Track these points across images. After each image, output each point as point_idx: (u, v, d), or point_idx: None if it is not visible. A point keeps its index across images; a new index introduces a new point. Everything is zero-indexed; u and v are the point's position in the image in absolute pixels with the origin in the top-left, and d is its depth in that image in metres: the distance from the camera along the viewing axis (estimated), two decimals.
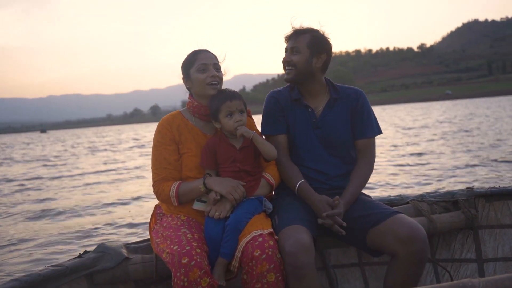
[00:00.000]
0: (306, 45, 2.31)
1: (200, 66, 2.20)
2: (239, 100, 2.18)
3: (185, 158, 2.21)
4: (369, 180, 2.56)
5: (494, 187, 2.67)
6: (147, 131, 51.46)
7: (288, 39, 2.36)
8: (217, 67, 2.23)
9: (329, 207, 2.13)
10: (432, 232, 2.52)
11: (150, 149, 2.32)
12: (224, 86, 2.28)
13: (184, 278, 1.82)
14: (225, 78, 2.31)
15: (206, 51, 2.27)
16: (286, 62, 2.34)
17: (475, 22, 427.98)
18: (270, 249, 1.91)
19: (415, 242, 1.94)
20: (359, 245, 2.20)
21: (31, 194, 9.41)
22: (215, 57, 2.26)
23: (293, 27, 2.36)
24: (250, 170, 2.20)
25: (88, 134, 64.41)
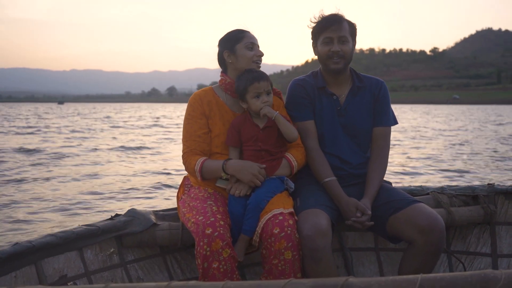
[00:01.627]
0: (349, 33, 2.28)
1: (249, 44, 2.23)
2: (266, 81, 2.19)
3: (213, 135, 2.26)
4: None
5: None
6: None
7: (328, 27, 2.26)
8: (259, 48, 2.28)
9: (356, 210, 2.13)
10: (449, 224, 2.55)
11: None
12: None
13: (207, 248, 1.87)
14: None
15: (249, 31, 2.29)
16: (335, 53, 2.25)
17: (489, 30, 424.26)
18: (289, 228, 1.94)
19: (434, 232, 1.96)
20: (379, 231, 2.22)
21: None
22: (257, 39, 2.29)
23: (329, 14, 2.28)
24: (271, 150, 2.22)
25: (106, 109, 64.93)
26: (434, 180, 7.43)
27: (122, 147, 12.48)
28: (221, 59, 2.32)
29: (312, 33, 2.35)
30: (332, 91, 2.35)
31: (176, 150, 11.85)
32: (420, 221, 1.99)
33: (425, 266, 2.03)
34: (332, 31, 2.25)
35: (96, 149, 12.09)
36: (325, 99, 2.36)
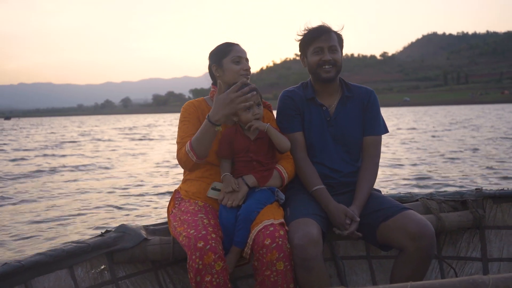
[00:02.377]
0: (337, 43, 2.32)
1: (235, 58, 2.24)
2: (256, 94, 2.19)
3: None
4: None
5: (502, 189, 2.74)
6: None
7: (318, 37, 2.29)
8: (247, 61, 2.29)
9: (345, 217, 2.14)
10: (440, 230, 2.58)
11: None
12: None
13: (199, 261, 1.87)
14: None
15: (238, 44, 2.31)
16: (327, 62, 2.28)
17: (434, 34, 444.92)
18: (280, 239, 1.95)
19: (424, 238, 1.97)
20: (369, 239, 2.23)
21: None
22: (245, 52, 2.30)
23: (317, 26, 2.33)
24: (262, 161, 2.23)
25: (57, 123, 62.67)
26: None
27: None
28: (210, 72, 2.33)
29: (300, 45, 2.37)
30: (321, 102, 2.37)
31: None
32: (410, 228, 1.99)
33: (417, 272, 2.04)
34: (322, 41, 2.28)
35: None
36: (314, 110, 2.37)
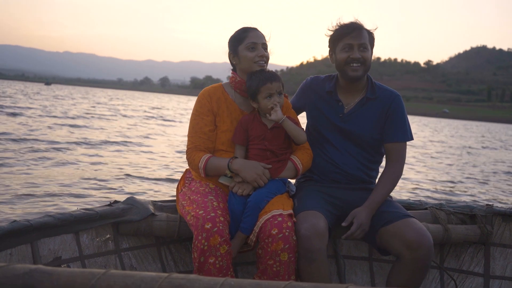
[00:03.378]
0: (368, 41, 2.29)
1: (249, 45, 2.21)
2: (279, 82, 2.20)
3: (219, 131, 2.26)
4: None
5: None
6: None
7: (349, 34, 2.26)
8: (265, 46, 2.26)
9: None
10: (445, 241, 2.58)
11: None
12: None
13: (205, 242, 1.89)
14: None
15: (255, 29, 2.28)
16: (355, 59, 2.25)
17: (483, 48, 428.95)
18: (288, 230, 1.96)
19: (421, 248, 1.97)
20: (370, 242, 2.25)
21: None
22: (263, 37, 2.27)
23: (349, 22, 2.30)
24: (276, 151, 2.23)
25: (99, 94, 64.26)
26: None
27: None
28: (230, 59, 2.33)
29: (330, 40, 2.35)
30: (339, 98, 2.36)
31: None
32: (408, 236, 2.00)
33: (412, 281, 2.04)
34: (352, 37, 2.25)
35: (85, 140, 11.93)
36: (330, 103, 2.38)
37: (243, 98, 2.31)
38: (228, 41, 2.31)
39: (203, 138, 2.24)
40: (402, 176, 2.42)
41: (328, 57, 2.43)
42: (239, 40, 2.24)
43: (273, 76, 2.19)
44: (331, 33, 2.34)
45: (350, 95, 2.37)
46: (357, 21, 2.31)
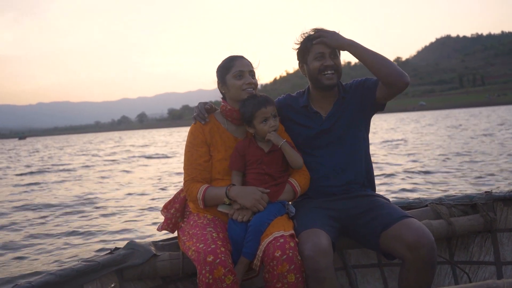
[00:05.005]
0: (337, 48, 2.29)
1: (237, 73, 2.23)
2: (272, 105, 2.22)
3: (215, 161, 2.27)
4: None
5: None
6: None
7: (317, 42, 2.27)
8: (252, 74, 2.28)
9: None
10: (451, 234, 2.56)
11: None
12: None
13: (209, 276, 1.88)
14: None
15: (242, 57, 2.30)
16: (329, 67, 2.26)
17: (448, 37, 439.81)
18: (291, 251, 1.95)
19: (422, 248, 1.95)
20: (374, 248, 2.22)
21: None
22: (250, 64, 2.29)
23: (307, 33, 2.31)
24: (274, 174, 2.23)
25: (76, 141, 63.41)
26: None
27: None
28: (218, 88, 2.35)
29: (299, 53, 2.35)
30: (316, 110, 2.37)
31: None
32: (408, 238, 1.98)
33: (421, 281, 2.01)
34: (322, 46, 2.26)
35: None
36: (308, 117, 2.38)
37: (236, 125, 2.33)
38: (216, 70, 2.34)
39: (199, 169, 2.24)
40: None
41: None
42: (226, 69, 2.27)
43: (267, 100, 2.20)
44: (298, 45, 2.34)
45: (325, 104, 2.39)
46: (322, 29, 2.31)
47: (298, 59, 2.38)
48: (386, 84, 2.22)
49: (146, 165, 16.26)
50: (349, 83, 2.45)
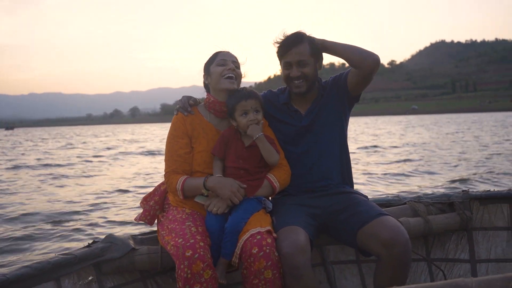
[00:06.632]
0: (310, 54, 2.29)
1: (219, 62, 2.29)
2: (254, 99, 2.23)
3: (196, 152, 2.28)
4: None
5: (488, 190, 2.78)
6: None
7: (287, 52, 2.28)
8: (236, 64, 2.31)
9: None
10: (428, 232, 2.60)
11: None
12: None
13: (188, 270, 1.88)
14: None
15: (227, 51, 2.35)
16: (296, 77, 2.28)
17: (442, 42, 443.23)
18: (268, 247, 1.96)
19: (396, 245, 1.97)
20: (352, 245, 2.24)
21: None
22: (235, 57, 2.34)
23: (284, 37, 2.30)
24: (251, 170, 2.24)
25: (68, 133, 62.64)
26: None
27: None
28: (203, 80, 2.39)
29: (276, 54, 2.38)
30: (295, 108, 2.40)
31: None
32: (383, 235, 2.01)
33: (396, 278, 2.03)
34: (290, 55, 2.28)
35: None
36: (288, 114, 2.41)
37: (219, 118, 2.34)
38: (204, 65, 2.38)
39: (179, 161, 2.25)
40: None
41: None
42: (211, 60, 2.33)
43: (248, 94, 2.22)
44: (277, 46, 2.34)
45: (304, 102, 2.42)
46: (299, 32, 2.31)
47: (278, 58, 2.40)
48: (357, 67, 2.25)
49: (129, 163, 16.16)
50: (327, 80, 2.48)
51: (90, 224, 5.72)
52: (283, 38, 2.31)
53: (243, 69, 2.35)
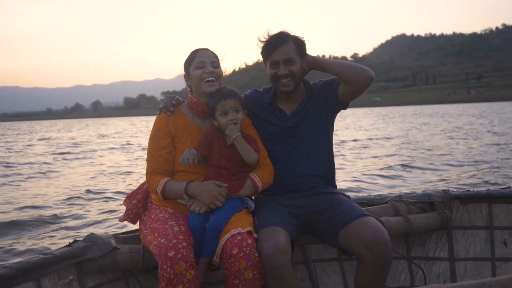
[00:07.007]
0: (296, 53, 2.29)
1: (198, 64, 2.26)
2: (234, 99, 2.22)
3: (179, 152, 2.26)
4: None
5: (468, 190, 2.85)
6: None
7: (273, 51, 2.27)
8: (214, 64, 2.28)
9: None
10: (408, 231, 2.63)
11: None
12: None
13: (170, 271, 1.89)
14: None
15: (205, 49, 2.32)
16: (283, 76, 2.27)
17: (403, 36, 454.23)
18: (248, 248, 1.97)
19: (377, 246, 2.00)
20: (334, 245, 2.26)
21: None
22: (213, 55, 2.30)
23: (269, 36, 2.29)
24: (233, 169, 2.23)
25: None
26: None
27: None
28: (185, 81, 2.37)
29: (261, 54, 2.36)
30: (280, 107, 2.39)
31: None
32: (364, 235, 2.03)
33: (376, 277, 2.06)
34: (277, 55, 2.27)
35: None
36: (273, 113, 2.40)
37: (201, 119, 2.34)
38: (183, 65, 2.35)
39: (160, 161, 2.24)
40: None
41: (260, 61, 2.44)
42: (190, 61, 2.30)
43: (228, 94, 2.21)
44: (261, 45, 2.32)
45: (290, 102, 2.40)
46: (283, 32, 2.30)
47: (262, 58, 2.37)
48: (351, 84, 2.27)
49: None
50: (316, 83, 2.46)
51: (69, 225, 5.56)
52: (267, 37, 2.30)
53: (223, 65, 2.33)
